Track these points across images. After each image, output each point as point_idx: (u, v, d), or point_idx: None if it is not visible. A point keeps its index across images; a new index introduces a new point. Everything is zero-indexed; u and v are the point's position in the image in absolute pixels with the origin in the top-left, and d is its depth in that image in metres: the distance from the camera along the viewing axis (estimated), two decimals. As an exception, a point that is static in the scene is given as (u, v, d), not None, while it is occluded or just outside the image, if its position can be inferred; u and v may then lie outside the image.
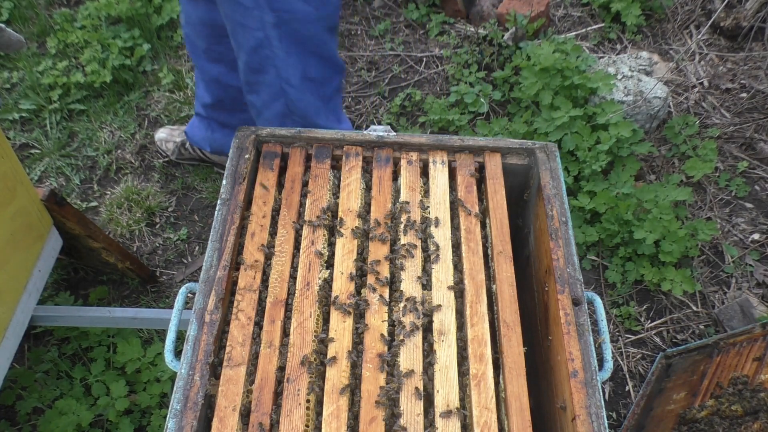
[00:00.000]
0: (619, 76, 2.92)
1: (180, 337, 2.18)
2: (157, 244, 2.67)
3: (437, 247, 1.39)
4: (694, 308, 2.51)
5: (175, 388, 1.18)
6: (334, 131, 1.56)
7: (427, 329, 1.29)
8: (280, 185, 1.51)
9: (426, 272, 1.36)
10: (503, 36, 3.21)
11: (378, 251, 1.38)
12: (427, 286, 1.34)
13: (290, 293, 1.32)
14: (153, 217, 2.74)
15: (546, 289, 1.40)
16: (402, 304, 1.30)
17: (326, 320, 1.30)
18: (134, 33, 3.28)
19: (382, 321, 1.28)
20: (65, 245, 2.10)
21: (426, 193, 1.50)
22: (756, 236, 2.71)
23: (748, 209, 2.81)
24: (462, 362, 1.25)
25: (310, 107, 2.02)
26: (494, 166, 1.52)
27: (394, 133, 1.56)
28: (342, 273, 1.34)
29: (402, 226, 1.42)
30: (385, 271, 1.35)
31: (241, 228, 1.41)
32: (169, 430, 1.13)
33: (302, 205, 1.46)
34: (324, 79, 2.01)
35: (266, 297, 1.31)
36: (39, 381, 2.20)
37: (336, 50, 2.00)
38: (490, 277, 1.38)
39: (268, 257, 1.38)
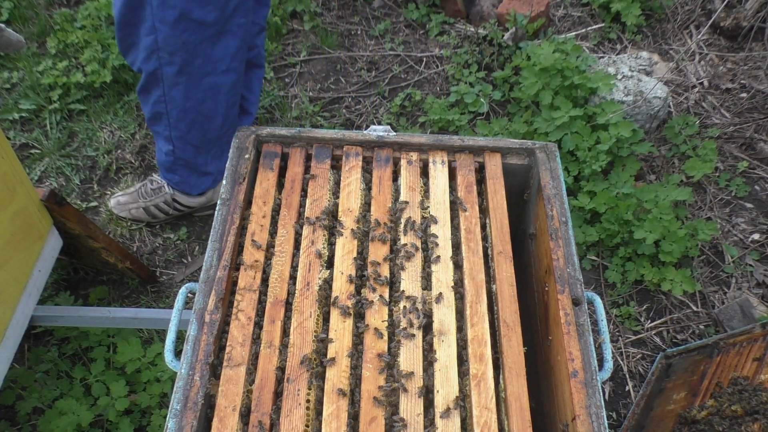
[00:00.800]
0: (619, 76, 2.92)
1: (180, 337, 2.18)
2: (157, 244, 2.67)
3: (437, 247, 1.39)
4: (694, 308, 2.51)
5: (175, 388, 1.18)
6: (333, 131, 1.56)
7: (427, 329, 1.29)
8: (280, 185, 1.51)
9: (426, 272, 1.36)
10: (503, 36, 3.21)
11: (378, 251, 1.38)
12: (427, 286, 1.34)
13: (290, 293, 1.32)
14: (153, 217, 2.74)
15: (546, 289, 1.40)
16: (402, 304, 1.30)
17: (326, 320, 1.30)
18: (134, 33, 3.27)
19: (382, 321, 1.28)
20: (65, 245, 2.10)
21: (426, 193, 1.50)
22: (756, 236, 2.71)
23: (748, 209, 2.81)
24: (462, 362, 1.25)
25: (179, 45, 1.99)
26: (494, 166, 1.52)
27: (394, 133, 1.56)
28: (342, 273, 1.34)
29: (402, 226, 1.42)
30: (385, 271, 1.35)
31: (241, 228, 1.41)
32: (169, 430, 1.13)
33: (302, 205, 1.46)
34: (207, 22, 1.96)
35: (266, 297, 1.31)
36: (39, 381, 2.20)
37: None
38: (490, 277, 1.38)
39: (268, 257, 1.38)
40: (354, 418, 1.17)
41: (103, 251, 2.20)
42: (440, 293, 1.32)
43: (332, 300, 1.31)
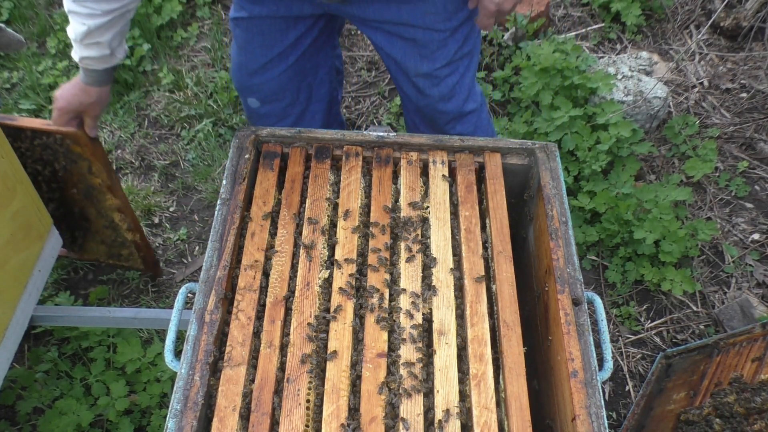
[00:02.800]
0: (619, 76, 2.92)
1: (180, 337, 2.18)
2: (157, 244, 2.67)
3: (437, 247, 1.39)
4: (694, 308, 2.51)
5: (175, 388, 1.18)
6: (334, 131, 1.56)
7: (427, 329, 1.29)
8: (280, 185, 1.51)
9: (426, 272, 1.36)
10: (503, 36, 3.20)
11: (377, 251, 1.38)
12: (427, 286, 1.34)
13: (290, 293, 1.32)
14: (153, 217, 2.74)
15: (546, 289, 1.40)
16: (402, 304, 1.30)
17: (326, 320, 1.30)
18: (134, 33, 3.28)
19: (382, 321, 1.28)
20: (79, 208, 2.04)
21: (426, 193, 1.50)
22: (756, 236, 2.70)
23: (748, 209, 2.81)
24: (462, 362, 1.25)
25: None
26: (494, 166, 1.52)
27: (394, 133, 1.56)
28: (342, 273, 1.34)
29: (402, 226, 1.42)
30: (384, 271, 1.35)
31: (241, 228, 1.41)
32: (169, 430, 1.13)
33: (302, 205, 1.46)
34: None
35: (266, 297, 1.31)
36: (39, 381, 2.20)
37: None
38: (490, 277, 1.38)
39: (269, 257, 1.38)
40: (354, 418, 1.17)
41: (117, 213, 2.11)
42: (440, 293, 1.32)
43: (332, 299, 1.31)
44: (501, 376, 1.23)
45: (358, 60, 3.34)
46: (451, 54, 1.82)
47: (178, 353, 1.34)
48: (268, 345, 1.24)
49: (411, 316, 1.28)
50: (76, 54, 1.66)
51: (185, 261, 2.63)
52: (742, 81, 3.24)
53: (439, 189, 1.49)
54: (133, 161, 2.92)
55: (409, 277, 1.35)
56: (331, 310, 1.30)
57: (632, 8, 3.38)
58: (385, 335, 1.26)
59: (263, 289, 1.33)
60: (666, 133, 2.96)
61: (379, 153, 1.54)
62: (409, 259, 1.37)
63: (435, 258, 1.37)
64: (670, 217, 2.45)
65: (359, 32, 3.46)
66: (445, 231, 1.42)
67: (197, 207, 2.80)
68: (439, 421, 1.16)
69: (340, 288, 1.32)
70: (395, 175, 1.54)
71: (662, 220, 2.44)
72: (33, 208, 1.87)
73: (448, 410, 1.17)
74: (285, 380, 1.20)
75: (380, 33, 1.80)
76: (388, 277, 1.34)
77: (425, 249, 1.39)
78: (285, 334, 1.27)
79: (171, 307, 2.41)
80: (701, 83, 3.25)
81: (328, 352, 1.24)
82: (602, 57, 3.23)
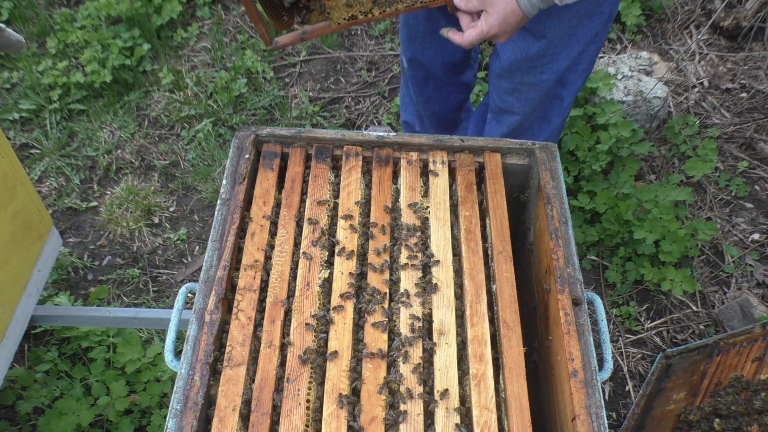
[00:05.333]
0: (619, 76, 2.92)
1: (180, 337, 2.18)
2: (157, 244, 2.67)
3: (437, 247, 1.39)
4: (694, 308, 2.51)
5: (175, 388, 1.18)
6: (333, 131, 1.56)
7: (427, 329, 1.29)
8: (280, 185, 1.51)
9: (426, 272, 1.36)
10: (503, 36, 3.20)
11: (377, 252, 1.38)
12: (426, 286, 1.34)
13: (290, 293, 1.32)
14: (153, 217, 2.75)
15: (546, 289, 1.40)
16: (402, 304, 1.30)
17: (326, 320, 1.30)
18: (134, 33, 3.28)
19: (383, 320, 1.28)
20: None
21: (426, 193, 1.50)
22: (756, 236, 2.71)
23: (748, 209, 2.81)
24: (462, 362, 1.25)
25: None
26: (494, 166, 1.52)
27: (394, 133, 1.56)
28: (342, 273, 1.34)
29: (402, 226, 1.42)
30: (385, 271, 1.35)
31: (241, 228, 1.41)
32: (169, 430, 1.13)
33: (302, 205, 1.46)
34: None
35: (266, 297, 1.31)
36: (39, 381, 2.20)
37: None
38: (490, 277, 1.38)
39: (269, 257, 1.38)
40: (354, 418, 1.17)
41: None
42: (440, 293, 1.32)
43: (332, 300, 1.31)
44: (501, 376, 1.23)
45: (358, 60, 3.34)
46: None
47: (178, 353, 1.34)
48: (268, 345, 1.24)
49: (411, 317, 1.28)
50: None
51: (185, 261, 2.63)
52: (742, 81, 3.24)
53: (439, 189, 1.49)
54: (133, 161, 2.92)
55: (409, 277, 1.35)
56: (331, 310, 1.30)
57: (632, 8, 3.39)
58: (385, 335, 1.26)
59: (263, 289, 1.33)
60: (666, 133, 2.96)
61: (379, 153, 1.54)
62: (409, 259, 1.37)
63: (435, 258, 1.37)
64: (670, 217, 2.45)
65: (359, 32, 3.47)
66: (445, 231, 1.42)
67: (197, 207, 2.80)
68: (439, 420, 1.15)
69: (340, 288, 1.32)
70: (395, 175, 1.54)
71: (662, 220, 2.44)
72: (33, 208, 1.87)
73: (448, 410, 1.17)
74: (285, 380, 1.20)
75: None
76: (388, 277, 1.34)
77: (425, 249, 1.39)
78: (285, 334, 1.27)
79: (171, 307, 2.42)
80: (701, 83, 3.25)
81: (328, 351, 1.24)
82: (602, 57, 3.23)
